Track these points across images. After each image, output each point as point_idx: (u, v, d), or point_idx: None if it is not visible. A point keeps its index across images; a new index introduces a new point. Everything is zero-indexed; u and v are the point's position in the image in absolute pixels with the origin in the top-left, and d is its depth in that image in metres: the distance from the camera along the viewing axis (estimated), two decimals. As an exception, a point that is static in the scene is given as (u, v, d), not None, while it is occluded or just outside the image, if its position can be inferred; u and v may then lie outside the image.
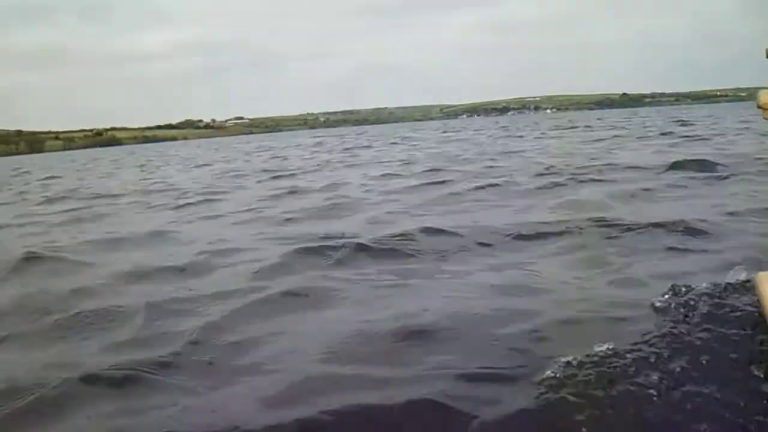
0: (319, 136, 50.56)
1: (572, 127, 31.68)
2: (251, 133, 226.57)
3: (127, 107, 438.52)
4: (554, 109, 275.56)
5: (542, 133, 27.33)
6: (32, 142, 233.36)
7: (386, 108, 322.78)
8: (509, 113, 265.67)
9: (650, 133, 22.30)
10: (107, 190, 14.89)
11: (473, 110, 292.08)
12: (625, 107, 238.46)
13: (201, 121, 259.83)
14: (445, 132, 40.70)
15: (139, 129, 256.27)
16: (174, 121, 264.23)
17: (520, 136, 26.56)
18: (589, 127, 33.14)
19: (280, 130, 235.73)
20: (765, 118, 2.36)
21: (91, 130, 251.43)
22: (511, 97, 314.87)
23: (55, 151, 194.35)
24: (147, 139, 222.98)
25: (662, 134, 21.09)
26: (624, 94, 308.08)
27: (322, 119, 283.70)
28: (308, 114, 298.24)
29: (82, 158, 52.31)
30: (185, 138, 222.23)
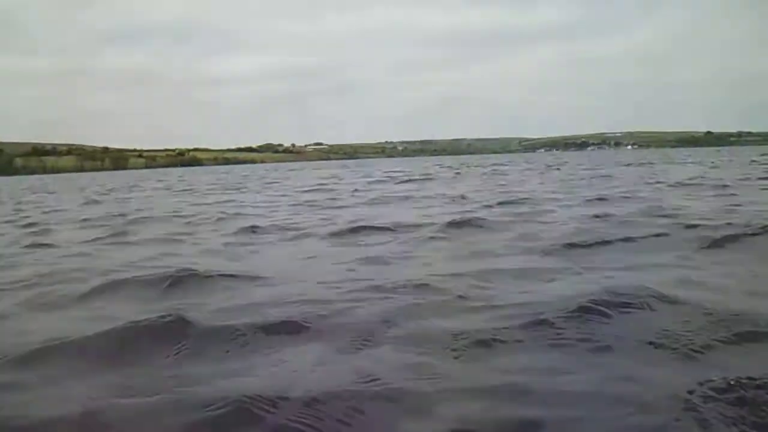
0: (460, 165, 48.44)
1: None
2: (329, 158, 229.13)
3: (210, 129, 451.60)
4: (635, 146, 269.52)
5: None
6: (117, 159, 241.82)
7: (464, 139, 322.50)
8: (589, 148, 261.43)
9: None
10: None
11: (552, 144, 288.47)
12: (710, 145, 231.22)
13: (281, 145, 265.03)
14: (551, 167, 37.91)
15: (219, 151, 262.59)
16: (255, 145, 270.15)
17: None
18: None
19: (358, 157, 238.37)
20: None
21: (173, 150, 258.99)
22: (591, 132, 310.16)
23: (137, 168, 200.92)
24: (227, 161, 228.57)
25: None
26: (708, 132, 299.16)
27: (400, 148, 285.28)
28: (386, 142, 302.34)
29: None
30: (263, 161, 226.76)
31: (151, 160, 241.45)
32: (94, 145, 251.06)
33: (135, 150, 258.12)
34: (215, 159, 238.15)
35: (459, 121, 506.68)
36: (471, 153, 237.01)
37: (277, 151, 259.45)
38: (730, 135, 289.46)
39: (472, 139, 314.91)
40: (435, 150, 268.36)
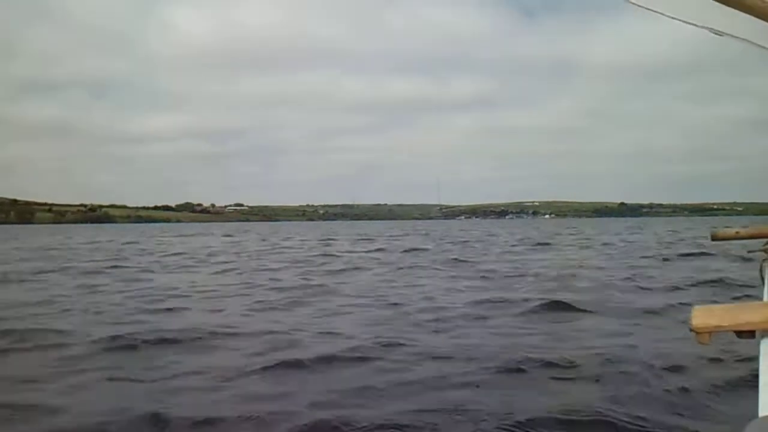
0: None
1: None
2: (248, 220, 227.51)
3: (127, 186, 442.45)
4: (552, 215, 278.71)
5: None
6: (23, 212, 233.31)
7: (386, 205, 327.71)
8: (507, 217, 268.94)
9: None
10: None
11: (472, 212, 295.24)
12: (623, 216, 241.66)
13: (200, 204, 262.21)
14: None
15: (133, 208, 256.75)
16: (173, 204, 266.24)
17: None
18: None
19: (278, 219, 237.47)
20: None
21: (85, 206, 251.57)
22: (510, 201, 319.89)
23: (44, 223, 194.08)
24: (140, 219, 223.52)
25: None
26: (622, 203, 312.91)
27: (321, 212, 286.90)
28: (307, 206, 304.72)
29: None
30: (179, 220, 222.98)
31: (60, 215, 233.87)
32: (3, 196, 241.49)
33: (45, 204, 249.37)
34: (128, 217, 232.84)
35: (380, 186, 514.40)
36: (392, 219, 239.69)
37: (194, 211, 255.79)
38: (642, 206, 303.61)
39: (393, 205, 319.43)
40: (356, 214, 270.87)
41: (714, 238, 2.85)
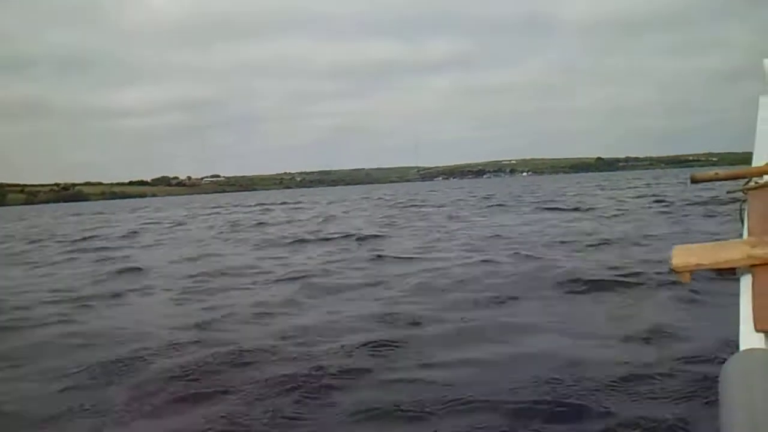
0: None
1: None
2: (224, 191, 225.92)
3: (102, 162, 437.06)
4: (530, 173, 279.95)
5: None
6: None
7: (363, 169, 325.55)
8: (485, 176, 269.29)
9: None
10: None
11: (450, 172, 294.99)
12: (600, 171, 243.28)
13: (177, 177, 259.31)
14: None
15: (108, 185, 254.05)
16: (149, 178, 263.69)
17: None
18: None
19: (255, 189, 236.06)
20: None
21: (58, 185, 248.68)
22: (488, 160, 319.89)
23: (17, 204, 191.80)
24: (115, 195, 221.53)
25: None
26: (599, 158, 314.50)
27: (298, 179, 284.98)
28: (284, 173, 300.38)
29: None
30: (155, 195, 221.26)
31: (33, 195, 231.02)
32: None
33: (17, 185, 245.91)
34: (102, 193, 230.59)
35: (357, 151, 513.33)
36: (370, 183, 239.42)
37: (170, 184, 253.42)
38: (619, 160, 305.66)
39: (370, 169, 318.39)
40: (333, 180, 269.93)
41: (693, 181, 2.86)
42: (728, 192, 2.78)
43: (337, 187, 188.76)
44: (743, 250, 1.39)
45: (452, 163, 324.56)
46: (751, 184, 2.52)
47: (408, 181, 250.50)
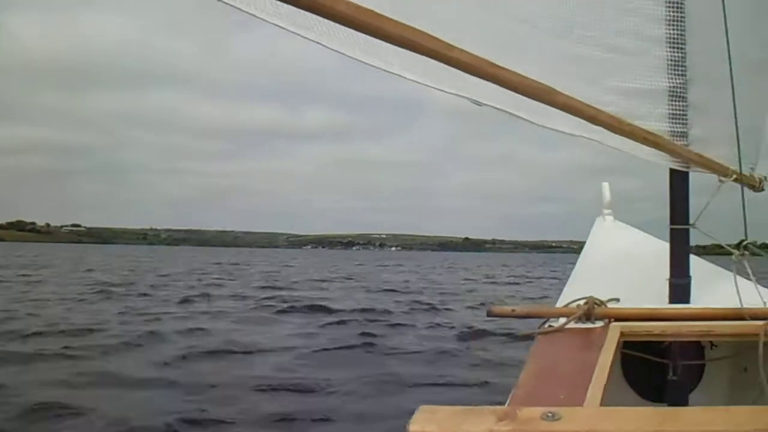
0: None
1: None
2: (81, 242, 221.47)
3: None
4: (399, 248, 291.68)
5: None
6: None
7: (232, 232, 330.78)
8: (354, 248, 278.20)
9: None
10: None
11: (319, 242, 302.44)
12: (468, 251, 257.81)
13: (33, 223, 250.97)
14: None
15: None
16: (3, 221, 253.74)
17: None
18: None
19: (115, 242, 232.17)
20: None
21: None
22: (358, 233, 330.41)
23: None
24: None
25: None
26: (467, 238, 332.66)
27: (163, 236, 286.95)
28: (150, 229, 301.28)
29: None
30: (2, 239, 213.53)
31: None
32: None
33: None
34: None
35: (229, 213, 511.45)
36: (238, 246, 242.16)
37: (23, 230, 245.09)
38: (486, 242, 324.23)
39: (240, 232, 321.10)
40: (200, 241, 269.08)
41: (490, 314, 2.68)
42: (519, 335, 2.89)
43: (200, 248, 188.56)
44: (487, 424, 1.20)
45: (323, 233, 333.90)
46: (546, 326, 2.47)
47: (276, 247, 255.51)
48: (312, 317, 13.53)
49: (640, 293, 2.81)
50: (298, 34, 1.33)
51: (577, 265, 3.51)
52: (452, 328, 12.13)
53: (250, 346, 9.72)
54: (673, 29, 2.65)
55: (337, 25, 1.32)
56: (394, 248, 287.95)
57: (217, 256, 73.73)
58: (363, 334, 10.93)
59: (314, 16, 1.25)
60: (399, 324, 12.51)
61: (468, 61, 1.58)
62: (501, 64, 1.70)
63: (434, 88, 1.77)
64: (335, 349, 9.68)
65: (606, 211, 4.07)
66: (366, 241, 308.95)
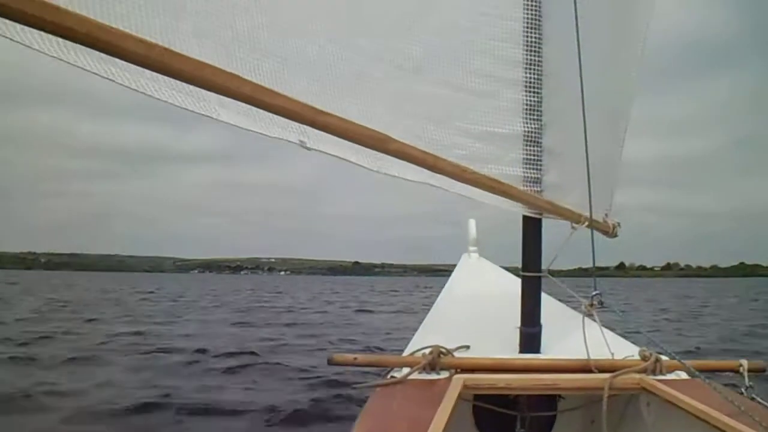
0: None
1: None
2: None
3: None
4: (288, 272, 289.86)
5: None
6: None
7: (117, 255, 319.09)
8: (243, 272, 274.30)
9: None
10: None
11: (207, 266, 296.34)
12: (357, 275, 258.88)
13: None
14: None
15: None
16: None
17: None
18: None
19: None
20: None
21: None
22: (247, 257, 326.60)
23: None
24: None
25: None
26: (356, 262, 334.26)
27: (43, 260, 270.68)
28: (29, 253, 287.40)
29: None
30: None
31: None
32: None
33: None
34: None
35: (112, 236, 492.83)
36: (123, 270, 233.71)
37: None
38: (375, 266, 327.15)
39: (125, 256, 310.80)
40: (83, 265, 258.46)
41: (330, 362, 2.55)
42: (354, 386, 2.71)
43: (84, 272, 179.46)
44: None
45: (210, 257, 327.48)
46: (388, 377, 2.40)
47: (162, 272, 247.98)
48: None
49: (493, 339, 2.79)
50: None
51: (433, 307, 3.46)
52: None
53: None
54: (530, 73, 2.62)
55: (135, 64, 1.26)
56: (283, 272, 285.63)
57: (93, 282, 64.41)
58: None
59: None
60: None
61: (289, 107, 1.46)
62: (335, 106, 1.60)
63: (258, 133, 1.65)
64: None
65: (471, 248, 4.09)
66: (254, 266, 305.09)
